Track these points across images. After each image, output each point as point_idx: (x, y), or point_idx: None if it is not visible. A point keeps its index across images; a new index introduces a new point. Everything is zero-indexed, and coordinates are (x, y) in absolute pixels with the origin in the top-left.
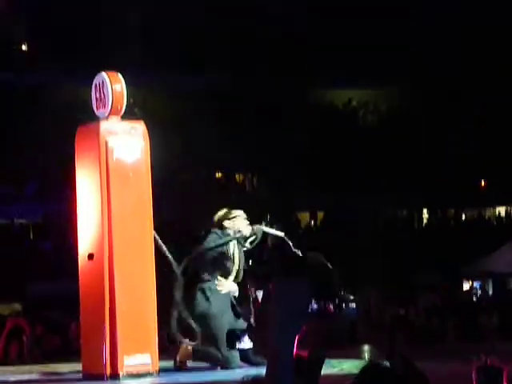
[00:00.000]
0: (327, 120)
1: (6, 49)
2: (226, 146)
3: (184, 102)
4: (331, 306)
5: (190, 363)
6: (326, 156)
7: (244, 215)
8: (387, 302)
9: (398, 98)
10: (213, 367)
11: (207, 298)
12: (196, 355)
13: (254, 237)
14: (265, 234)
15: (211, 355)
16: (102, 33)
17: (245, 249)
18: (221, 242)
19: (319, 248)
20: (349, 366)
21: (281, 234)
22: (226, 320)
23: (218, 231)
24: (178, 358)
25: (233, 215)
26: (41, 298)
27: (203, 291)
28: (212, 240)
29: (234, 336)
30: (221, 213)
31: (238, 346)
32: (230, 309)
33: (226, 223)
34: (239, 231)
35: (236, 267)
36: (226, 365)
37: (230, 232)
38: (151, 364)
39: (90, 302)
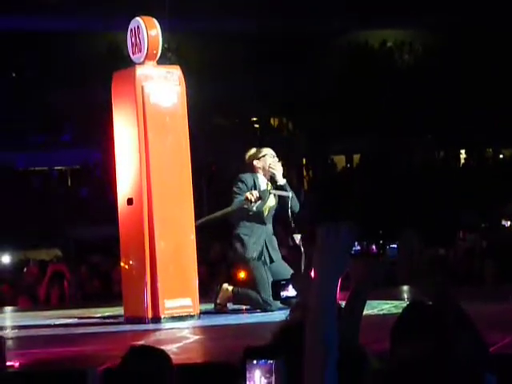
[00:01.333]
0: (362, 61)
1: None
2: (262, 91)
3: (219, 47)
4: (374, 247)
5: (230, 306)
6: (362, 99)
7: (272, 153)
8: (427, 243)
9: (435, 38)
10: (253, 310)
11: (242, 244)
12: (236, 298)
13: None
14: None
15: (251, 298)
16: None
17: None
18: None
19: (355, 191)
20: (389, 307)
21: (288, 193)
22: (264, 264)
23: (248, 177)
24: (217, 301)
25: (262, 154)
26: (81, 243)
27: (238, 237)
28: (239, 190)
29: (278, 285)
30: (250, 152)
31: (281, 294)
32: (269, 254)
33: (256, 162)
34: (270, 170)
35: (268, 206)
36: (265, 308)
37: (260, 171)
38: (192, 306)
39: (130, 247)
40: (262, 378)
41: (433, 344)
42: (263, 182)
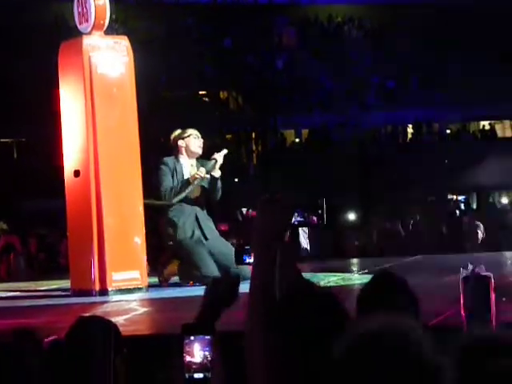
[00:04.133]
0: (311, 36)
1: None
2: (210, 64)
3: (167, 20)
4: (315, 218)
5: (175, 280)
6: (310, 73)
7: (197, 134)
8: (375, 216)
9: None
10: (196, 284)
11: (174, 227)
12: (180, 273)
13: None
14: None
15: (193, 274)
16: None
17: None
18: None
19: (305, 165)
20: (336, 279)
21: (217, 174)
22: (200, 242)
23: (169, 160)
24: (163, 275)
25: (186, 134)
26: (28, 216)
27: (170, 221)
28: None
29: (242, 250)
30: (175, 132)
31: (244, 258)
32: (202, 232)
33: (180, 143)
34: (192, 152)
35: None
36: (207, 281)
37: (183, 151)
38: (140, 279)
39: (77, 219)
40: (201, 353)
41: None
42: (187, 164)
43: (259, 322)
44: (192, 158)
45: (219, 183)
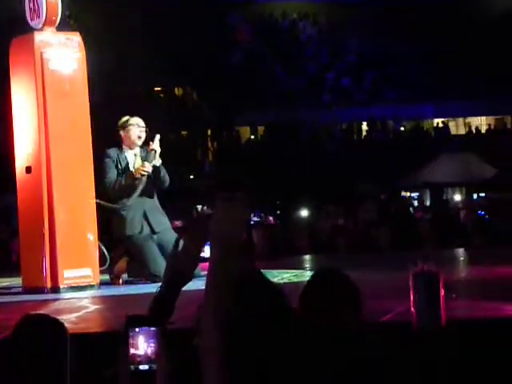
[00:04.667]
0: (266, 33)
1: None
2: (165, 60)
3: (120, 15)
4: (271, 218)
5: (125, 277)
6: (266, 70)
7: (139, 122)
8: (327, 212)
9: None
10: (146, 281)
11: (121, 221)
12: (129, 270)
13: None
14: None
15: (142, 271)
16: None
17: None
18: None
19: (261, 162)
20: (289, 276)
21: (158, 162)
22: (148, 237)
23: (112, 152)
24: (113, 273)
25: (128, 123)
26: None
27: (117, 214)
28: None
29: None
30: (120, 120)
31: None
32: (150, 226)
33: (121, 132)
34: (131, 142)
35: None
36: (154, 280)
37: (125, 141)
38: (92, 276)
39: (28, 216)
40: (146, 344)
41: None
42: (130, 154)
43: (213, 318)
44: (134, 148)
45: (163, 171)
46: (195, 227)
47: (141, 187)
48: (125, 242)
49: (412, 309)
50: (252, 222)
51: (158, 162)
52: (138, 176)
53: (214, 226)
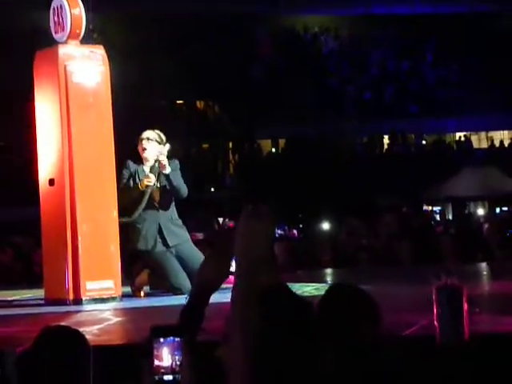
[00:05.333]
0: (288, 46)
1: None
2: (187, 73)
3: (144, 29)
4: (295, 231)
5: (147, 290)
6: (288, 83)
7: (149, 137)
8: (349, 226)
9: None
10: (168, 294)
11: (136, 235)
12: (151, 283)
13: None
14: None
15: (164, 283)
16: None
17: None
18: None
19: (283, 175)
20: (310, 289)
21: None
22: (161, 251)
23: (130, 163)
24: (134, 285)
25: (139, 138)
26: (3, 225)
27: (133, 228)
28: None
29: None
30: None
31: None
32: (164, 239)
33: (139, 147)
34: (143, 156)
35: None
36: (176, 293)
37: (142, 155)
38: (114, 289)
39: (51, 228)
40: (170, 356)
41: (357, 323)
42: (146, 167)
43: (240, 332)
44: (148, 162)
45: (176, 180)
46: (221, 239)
47: (146, 199)
48: (141, 255)
49: (435, 322)
50: (276, 236)
51: (167, 170)
52: (143, 188)
53: (240, 240)
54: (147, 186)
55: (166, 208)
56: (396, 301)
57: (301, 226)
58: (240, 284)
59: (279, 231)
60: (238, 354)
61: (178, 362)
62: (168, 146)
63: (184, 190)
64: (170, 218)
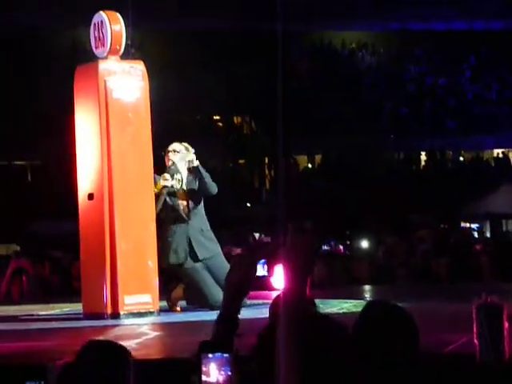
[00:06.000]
0: (325, 61)
1: None
2: (224, 89)
3: (182, 45)
4: (341, 247)
5: (182, 305)
6: (325, 99)
7: (175, 148)
8: (386, 243)
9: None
10: (205, 308)
11: (167, 250)
12: (187, 298)
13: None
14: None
15: (199, 299)
16: None
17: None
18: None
19: (318, 190)
20: (348, 306)
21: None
22: (194, 265)
23: (156, 177)
24: (170, 300)
25: (168, 149)
26: (41, 239)
27: (164, 242)
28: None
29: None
30: None
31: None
32: (194, 252)
33: (165, 159)
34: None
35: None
36: (213, 308)
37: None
38: (152, 303)
39: (90, 242)
40: (218, 372)
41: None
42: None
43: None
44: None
45: (204, 173)
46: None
47: (162, 200)
48: (174, 269)
49: (475, 341)
50: (322, 251)
51: (195, 163)
52: (159, 190)
53: (285, 257)
54: (164, 187)
55: (197, 221)
56: (435, 318)
57: (348, 242)
58: (285, 302)
59: (325, 247)
60: (283, 369)
61: (225, 378)
62: (193, 153)
63: (214, 185)
64: (200, 230)
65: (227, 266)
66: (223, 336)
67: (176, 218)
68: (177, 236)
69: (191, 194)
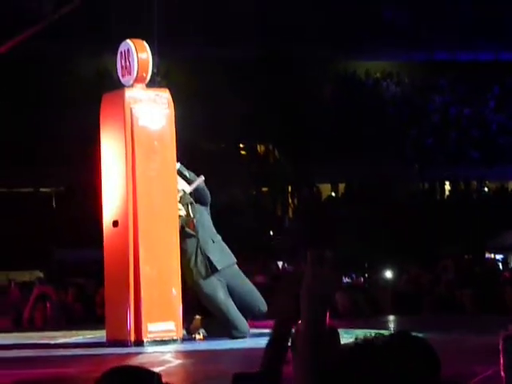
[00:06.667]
0: (349, 90)
1: (34, 16)
2: (248, 117)
3: (206, 72)
4: (362, 279)
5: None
6: (348, 127)
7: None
8: (410, 273)
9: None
10: (226, 337)
11: (187, 269)
12: (206, 328)
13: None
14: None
15: (219, 328)
16: (126, 1)
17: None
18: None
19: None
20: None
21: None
22: (219, 286)
23: None
24: (188, 330)
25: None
26: (64, 266)
27: (183, 265)
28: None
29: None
30: None
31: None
32: (211, 262)
33: None
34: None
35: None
36: (236, 334)
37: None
38: (175, 331)
39: (114, 269)
40: None
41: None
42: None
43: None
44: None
45: (197, 192)
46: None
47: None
48: (195, 288)
49: (502, 373)
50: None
51: (187, 188)
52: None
53: (305, 287)
54: (179, 217)
55: (203, 230)
56: (460, 350)
57: (366, 274)
58: (303, 329)
59: (347, 279)
60: None
61: None
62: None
63: (205, 197)
64: (210, 241)
65: (245, 278)
66: (272, 363)
67: (184, 236)
68: (190, 253)
69: (191, 208)
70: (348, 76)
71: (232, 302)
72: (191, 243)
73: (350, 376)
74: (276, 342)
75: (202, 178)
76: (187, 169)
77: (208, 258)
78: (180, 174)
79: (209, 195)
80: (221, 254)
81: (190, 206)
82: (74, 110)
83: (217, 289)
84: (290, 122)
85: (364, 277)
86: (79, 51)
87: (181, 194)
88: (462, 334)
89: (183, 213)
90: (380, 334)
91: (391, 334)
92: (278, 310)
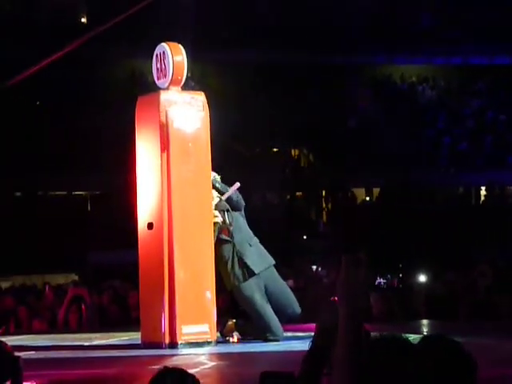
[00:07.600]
0: (385, 95)
1: (65, 21)
2: (283, 121)
3: (241, 76)
4: (396, 281)
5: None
6: (383, 131)
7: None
8: (446, 278)
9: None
10: (260, 340)
11: (226, 273)
12: (240, 331)
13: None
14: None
15: (254, 331)
16: (161, 5)
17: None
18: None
19: (376, 224)
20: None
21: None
22: (257, 289)
23: None
24: (222, 332)
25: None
26: (98, 268)
27: (221, 270)
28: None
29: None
30: None
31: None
32: (247, 267)
33: None
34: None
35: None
36: (269, 339)
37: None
38: (209, 333)
39: (149, 271)
40: None
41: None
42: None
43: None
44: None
45: (231, 200)
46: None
47: (214, 237)
48: (234, 292)
49: None
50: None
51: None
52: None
53: (340, 290)
54: (214, 224)
55: (240, 234)
56: (496, 355)
57: (400, 275)
58: (341, 333)
59: (381, 280)
60: None
61: None
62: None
63: (238, 204)
64: (247, 245)
65: (281, 280)
66: (309, 372)
67: (220, 242)
68: (227, 259)
69: (228, 215)
70: (384, 80)
71: (269, 306)
72: (228, 248)
73: (385, 376)
74: (316, 351)
75: (238, 184)
76: (220, 174)
77: (245, 262)
78: (212, 186)
79: (243, 202)
80: (258, 257)
81: (226, 213)
82: (108, 113)
83: (254, 292)
84: (324, 126)
85: (399, 279)
86: (114, 54)
87: (216, 200)
88: (498, 340)
89: (220, 219)
90: (415, 338)
91: (426, 336)
92: (318, 320)
